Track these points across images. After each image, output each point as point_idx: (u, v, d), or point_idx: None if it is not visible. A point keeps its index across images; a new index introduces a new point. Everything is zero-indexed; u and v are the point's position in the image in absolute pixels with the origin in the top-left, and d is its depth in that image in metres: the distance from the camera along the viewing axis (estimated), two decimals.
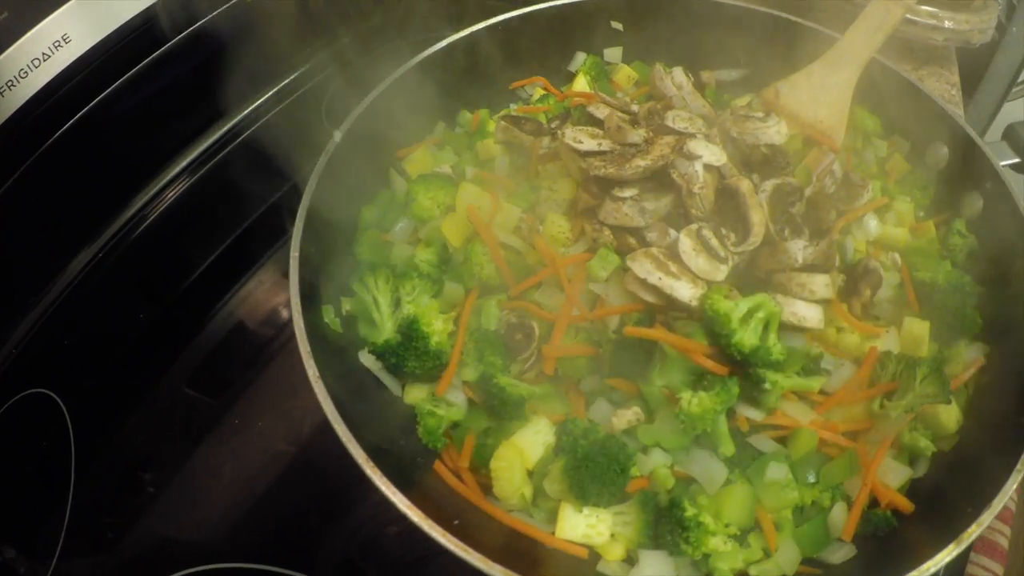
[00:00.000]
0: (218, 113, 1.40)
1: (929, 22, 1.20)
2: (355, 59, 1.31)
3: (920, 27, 1.21)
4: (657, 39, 1.20)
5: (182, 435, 1.08)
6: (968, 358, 0.93)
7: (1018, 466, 0.76)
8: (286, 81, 1.39)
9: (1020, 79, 1.35)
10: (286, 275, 0.92)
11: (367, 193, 1.09)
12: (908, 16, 1.20)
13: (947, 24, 1.19)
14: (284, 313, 1.26)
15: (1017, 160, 1.01)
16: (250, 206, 1.32)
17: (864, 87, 1.07)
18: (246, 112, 1.41)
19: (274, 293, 1.32)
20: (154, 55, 1.26)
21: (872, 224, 1.01)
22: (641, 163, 0.94)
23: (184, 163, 1.38)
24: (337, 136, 1.02)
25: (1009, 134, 1.03)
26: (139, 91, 1.25)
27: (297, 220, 0.93)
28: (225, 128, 1.41)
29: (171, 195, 1.36)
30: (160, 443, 1.08)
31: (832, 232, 0.98)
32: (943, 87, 1.24)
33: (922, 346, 0.93)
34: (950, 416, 0.89)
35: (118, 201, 1.33)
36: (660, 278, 0.88)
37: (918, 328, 0.94)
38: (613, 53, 1.23)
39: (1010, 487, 0.75)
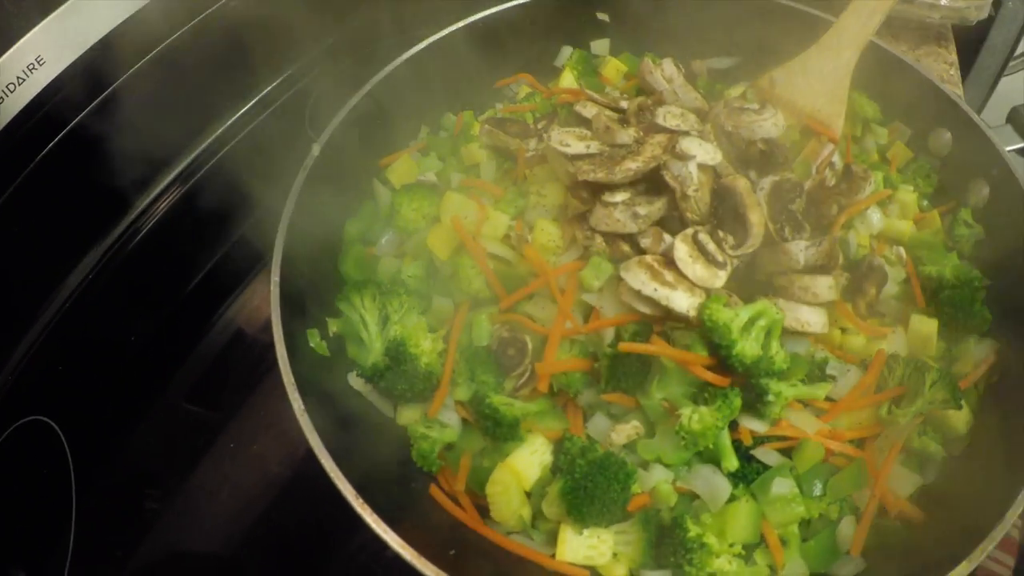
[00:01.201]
0: (204, 123, 1.36)
1: (926, 0, 1.15)
2: (336, 63, 1.26)
3: (917, 6, 1.16)
4: (645, 29, 1.15)
5: (182, 451, 1.07)
6: (978, 356, 0.90)
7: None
8: (268, 88, 1.35)
9: (1017, 53, 1.30)
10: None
11: (351, 206, 1.05)
12: None
13: (944, 2, 1.14)
14: None
15: (1023, 144, 0.96)
16: (241, 214, 1.28)
17: (862, 71, 1.03)
18: (232, 120, 1.37)
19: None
20: (132, 70, 1.21)
21: (875, 217, 0.97)
22: (632, 165, 0.90)
23: (173, 174, 1.35)
24: (315, 150, 0.98)
25: (1014, 117, 0.98)
26: (121, 106, 1.22)
27: (276, 244, 0.89)
28: (212, 137, 1.37)
29: (162, 206, 1.33)
30: (161, 460, 1.07)
31: (834, 228, 0.94)
32: (941, 67, 1.19)
33: (930, 345, 0.90)
34: (960, 418, 0.86)
35: (109, 217, 1.30)
36: (655, 289, 0.84)
37: (926, 326, 0.90)
38: (600, 45, 1.18)
39: (1022, 500, 0.72)
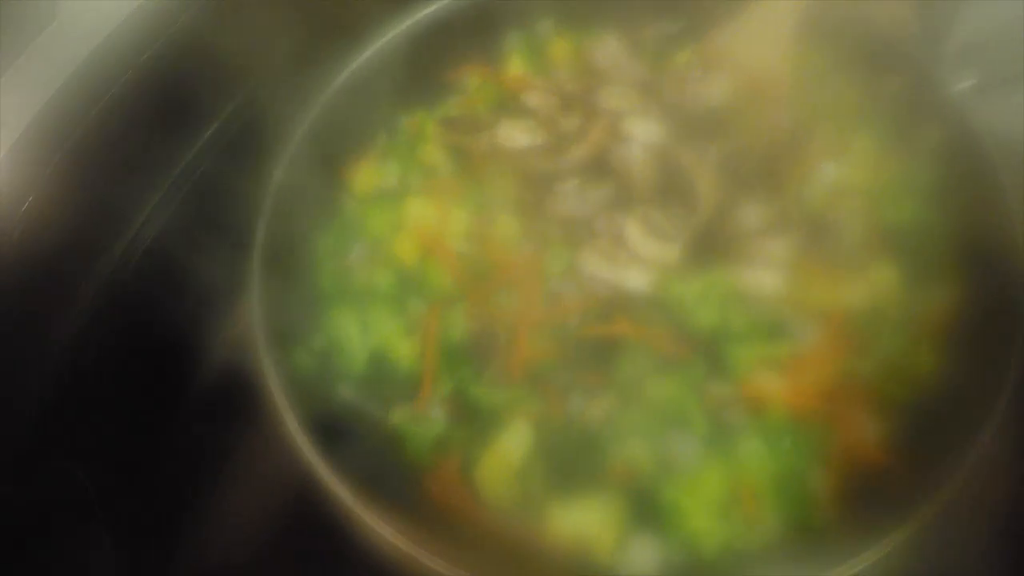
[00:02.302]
0: (173, 150, 1.40)
1: None
2: (280, 82, 1.27)
3: None
4: (587, 2, 1.14)
5: (200, 473, 1.14)
6: (940, 298, 0.91)
7: (990, 418, 0.76)
8: (222, 118, 1.37)
9: None
10: None
11: (319, 221, 1.08)
12: None
13: None
14: None
15: (974, 82, 0.95)
16: (226, 231, 1.32)
17: (809, 21, 1.01)
18: (199, 144, 1.40)
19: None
20: (98, 107, 1.25)
21: (830, 170, 0.97)
22: (577, 152, 0.92)
23: (156, 199, 1.39)
24: (277, 175, 1.02)
25: (965, 54, 0.96)
26: (94, 144, 1.26)
27: (253, 275, 0.94)
28: (188, 158, 1.41)
29: (149, 233, 1.38)
30: (181, 485, 1.14)
31: (788, 187, 0.95)
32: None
33: (892, 292, 0.91)
34: (923, 363, 0.88)
35: (98, 253, 1.36)
36: (610, 271, 0.87)
37: (886, 274, 0.92)
38: (544, 26, 1.18)
39: (983, 443, 0.75)
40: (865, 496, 0.85)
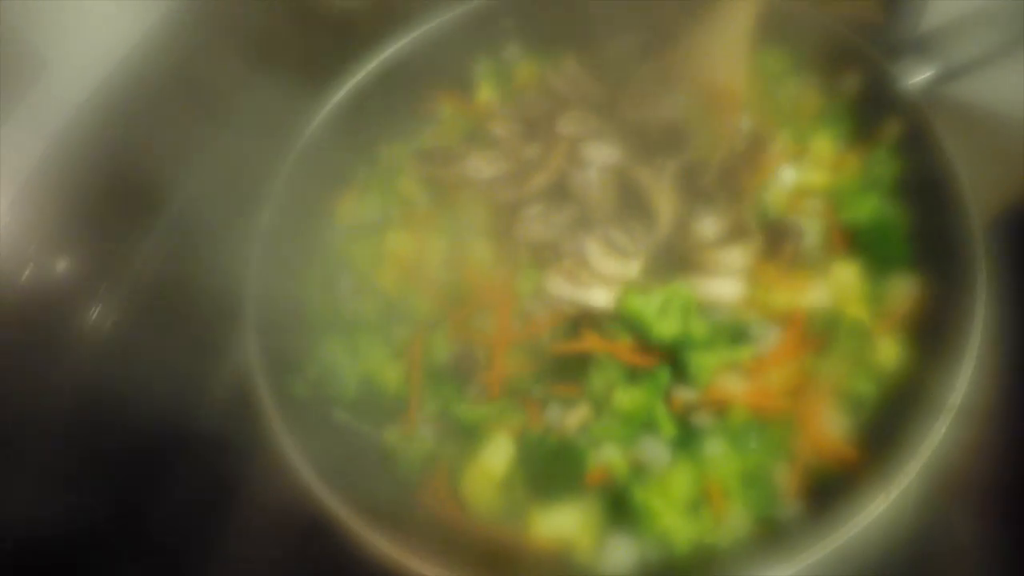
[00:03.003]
0: (166, 194, 1.44)
1: None
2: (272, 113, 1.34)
3: None
4: (549, 25, 1.18)
5: (207, 497, 1.21)
6: (902, 291, 0.93)
7: (946, 407, 0.79)
8: (219, 150, 1.43)
9: None
10: None
11: (306, 256, 1.16)
12: None
13: None
14: None
15: (930, 74, 0.95)
16: (220, 270, 1.35)
17: (764, 26, 1.03)
18: (190, 188, 1.46)
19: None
20: (94, 154, 1.32)
21: (788, 175, 1.00)
22: (539, 180, 0.97)
23: (153, 242, 1.45)
24: (265, 216, 1.09)
25: (919, 47, 0.97)
26: (93, 190, 1.32)
27: (248, 323, 1.01)
28: (181, 202, 1.46)
29: (148, 274, 1.42)
30: (189, 508, 1.21)
31: (745, 196, 0.98)
32: None
33: (853, 289, 0.94)
34: (888, 356, 0.90)
35: (102, 292, 1.42)
36: (574, 290, 0.92)
37: (846, 272, 0.94)
38: (511, 51, 1.22)
39: (939, 430, 0.78)
40: (829, 488, 0.88)
